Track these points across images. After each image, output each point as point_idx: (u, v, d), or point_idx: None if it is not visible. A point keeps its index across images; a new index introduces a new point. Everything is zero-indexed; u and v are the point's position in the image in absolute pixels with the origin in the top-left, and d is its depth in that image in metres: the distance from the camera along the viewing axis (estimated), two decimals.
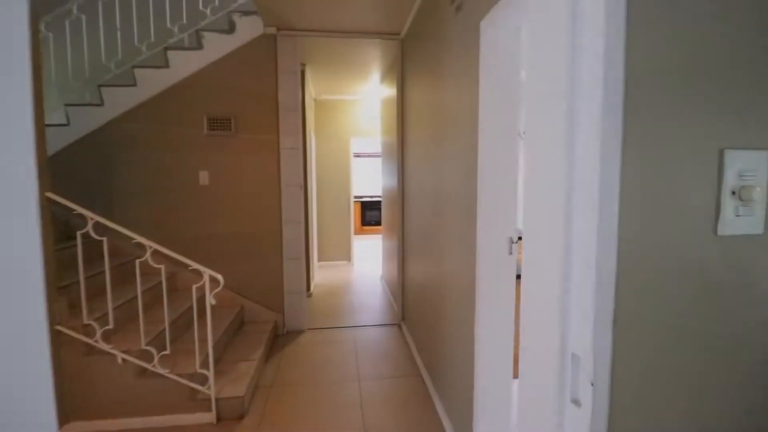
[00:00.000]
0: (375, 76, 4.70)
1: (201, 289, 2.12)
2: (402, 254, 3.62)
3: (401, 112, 3.54)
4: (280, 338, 3.29)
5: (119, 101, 3.11)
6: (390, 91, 4.13)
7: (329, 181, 5.96)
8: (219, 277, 2.08)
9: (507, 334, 1.74)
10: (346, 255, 6.13)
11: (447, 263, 2.17)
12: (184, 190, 3.18)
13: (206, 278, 2.10)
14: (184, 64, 3.16)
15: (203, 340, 2.21)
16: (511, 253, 1.70)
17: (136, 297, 2.21)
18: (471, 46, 1.72)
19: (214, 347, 2.50)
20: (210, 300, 2.08)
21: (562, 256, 0.63)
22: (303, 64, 4.14)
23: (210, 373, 2.16)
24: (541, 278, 0.69)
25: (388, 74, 4.32)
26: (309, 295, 4.39)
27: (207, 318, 2.12)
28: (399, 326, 3.59)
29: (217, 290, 2.06)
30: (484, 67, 1.59)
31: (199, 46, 3.19)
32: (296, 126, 3.31)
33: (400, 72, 3.51)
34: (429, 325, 2.57)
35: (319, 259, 5.96)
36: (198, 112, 3.16)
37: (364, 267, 5.97)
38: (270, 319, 3.33)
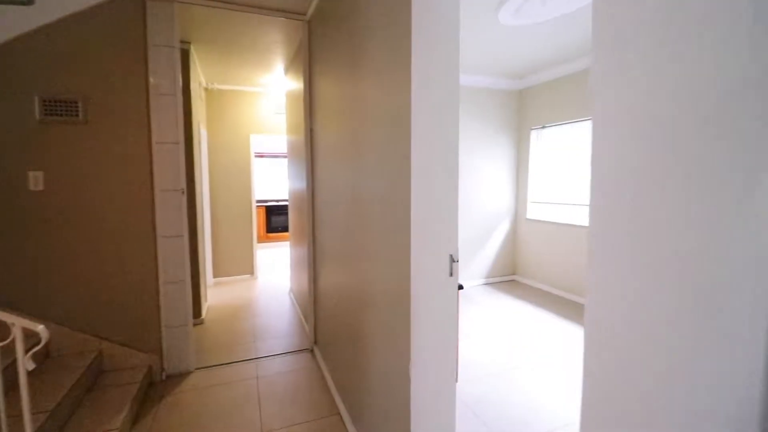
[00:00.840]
0: (279, 64, 4.14)
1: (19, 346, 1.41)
2: (314, 264, 3.15)
3: (309, 105, 3.08)
4: (157, 387, 2.56)
5: None
6: (296, 83, 3.64)
7: (226, 183, 5.18)
8: (39, 328, 1.38)
9: (449, 368, 1.44)
10: (249, 268, 5.39)
11: (371, 281, 1.79)
12: (2, 198, 2.27)
13: (17, 333, 1.39)
14: (4, 23, 2.27)
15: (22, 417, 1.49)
16: (451, 274, 1.39)
17: None
18: (398, 12, 1.37)
19: (51, 417, 1.77)
20: (26, 364, 1.39)
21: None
22: (187, 42, 3.42)
23: None
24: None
25: (293, 63, 3.81)
26: (199, 323, 3.64)
27: (22, 390, 1.41)
28: (311, 352, 3.11)
29: (36, 349, 1.38)
30: (417, 36, 1.25)
31: (28, 1, 2.32)
32: (175, 116, 2.63)
33: (308, 59, 3.05)
34: (349, 353, 2.16)
35: (215, 275, 5.14)
36: (25, 90, 2.29)
37: (270, 280, 5.31)
38: (142, 363, 2.57)
